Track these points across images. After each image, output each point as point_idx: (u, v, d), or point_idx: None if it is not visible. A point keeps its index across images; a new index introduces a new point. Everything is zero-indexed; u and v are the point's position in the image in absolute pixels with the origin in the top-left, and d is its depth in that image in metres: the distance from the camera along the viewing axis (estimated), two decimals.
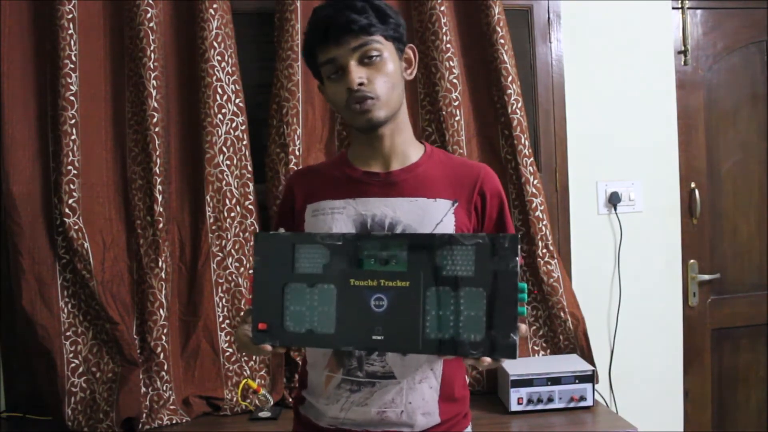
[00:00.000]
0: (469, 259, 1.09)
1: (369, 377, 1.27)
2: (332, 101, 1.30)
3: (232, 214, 2.07)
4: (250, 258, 2.07)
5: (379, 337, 1.11)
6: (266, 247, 1.17)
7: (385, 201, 1.29)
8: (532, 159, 2.16)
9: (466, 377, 2.06)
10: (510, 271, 1.07)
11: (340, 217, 1.29)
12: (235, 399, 2.01)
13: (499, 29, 2.12)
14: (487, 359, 1.07)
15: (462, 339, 1.08)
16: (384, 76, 1.25)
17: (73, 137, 1.96)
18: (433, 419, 1.30)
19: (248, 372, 2.06)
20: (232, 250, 2.06)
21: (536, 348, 2.19)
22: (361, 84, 1.23)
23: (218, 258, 2.06)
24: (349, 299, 1.13)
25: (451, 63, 2.12)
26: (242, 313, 2.04)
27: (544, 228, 2.15)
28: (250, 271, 2.06)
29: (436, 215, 1.28)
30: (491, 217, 1.34)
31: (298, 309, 1.14)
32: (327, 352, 1.30)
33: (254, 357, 2.07)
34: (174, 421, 1.93)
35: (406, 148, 1.34)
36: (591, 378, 1.95)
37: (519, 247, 1.09)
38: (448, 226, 1.28)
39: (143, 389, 1.96)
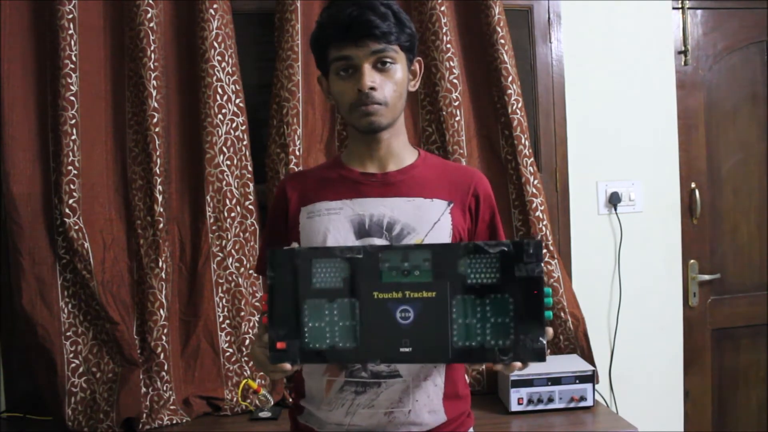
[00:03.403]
0: (493, 266, 1.10)
1: (374, 377, 1.26)
2: (336, 97, 1.31)
3: (233, 215, 2.07)
4: (251, 258, 2.07)
5: (407, 349, 1.10)
6: (281, 263, 1.14)
7: (383, 201, 1.30)
8: (532, 159, 2.16)
9: (466, 377, 2.08)
10: (535, 276, 1.09)
11: (336, 217, 1.29)
12: (235, 399, 2.01)
13: (499, 29, 2.12)
14: (518, 364, 1.09)
15: (491, 345, 1.09)
16: (394, 84, 1.27)
17: (73, 137, 1.96)
18: (440, 417, 1.30)
19: (248, 372, 2.06)
20: (232, 250, 2.06)
21: None
22: (372, 88, 1.24)
23: (218, 258, 2.06)
24: (372, 312, 1.11)
25: (451, 63, 2.12)
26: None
27: (544, 228, 2.15)
28: (251, 271, 2.07)
29: (433, 215, 1.29)
30: (484, 219, 1.36)
31: (318, 325, 1.12)
32: None
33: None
34: (174, 421, 1.92)
35: (402, 152, 1.36)
36: (591, 378, 1.95)
37: (542, 252, 1.10)
38: (444, 226, 1.29)
39: (143, 389, 1.96)
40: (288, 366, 1.13)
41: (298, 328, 1.12)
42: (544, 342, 1.08)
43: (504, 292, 1.09)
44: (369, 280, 1.12)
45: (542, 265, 1.10)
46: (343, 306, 1.12)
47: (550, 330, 1.12)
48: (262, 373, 2.06)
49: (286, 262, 1.14)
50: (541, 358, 1.08)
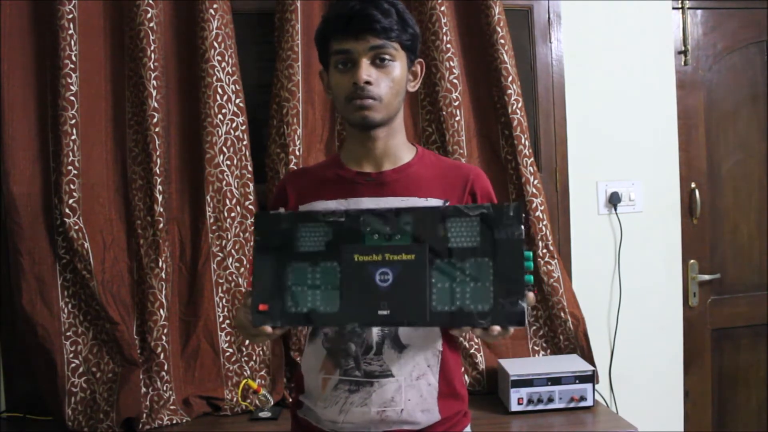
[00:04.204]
0: (473, 229, 1.10)
1: (367, 377, 1.27)
2: (333, 91, 1.32)
3: (232, 214, 2.07)
4: (251, 257, 2.07)
5: (385, 312, 1.10)
6: (266, 227, 1.16)
7: (377, 201, 1.30)
8: (532, 159, 2.16)
9: (466, 377, 2.08)
10: (516, 239, 1.08)
11: None
12: (235, 399, 2.01)
13: (499, 29, 2.12)
14: (497, 328, 1.08)
15: (470, 309, 1.08)
16: (391, 81, 1.27)
17: (73, 137, 1.96)
18: (433, 416, 1.31)
19: (248, 372, 2.06)
20: (232, 250, 2.06)
21: (536, 348, 2.19)
22: (367, 82, 1.25)
23: (218, 258, 2.06)
24: (353, 276, 1.12)
25: (451, 63, 2.12)
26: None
27: (544, 228, 2.15)
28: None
29: None
30: None
31: (300, 288, 1.13)
32: (320, 355, 1.30)
33: (254, 356, 2.06)
34: (174, 421, 1.92)
35: (399, 151, 1.36)
36: (591, 378, 1.95)
37: (523, 215, 1.10)
38: None
39: (143, 389, 1.96)
40: (269, 329, 1.13)
41: (280, 291, 1.13)
42: (524, 306, 1.07)
43: (484, 255, 1.09)
44: (351, 244, 1.13)
45: (522, 227, 1.09)
46: (325, 269, 1.13)
47: (531, 295, 1.11)
48: (261, 373, 2.06)
49: (271, 226, 1.16)
50: (521, 322, 1.07)
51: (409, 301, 1.10)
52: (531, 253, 1.11)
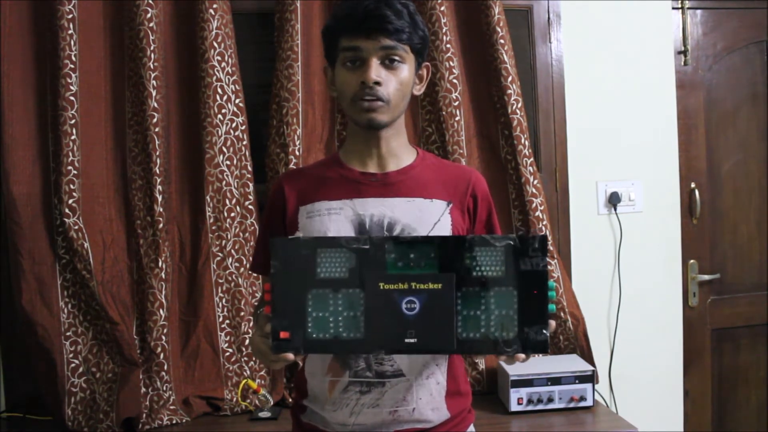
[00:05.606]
0: (498, 259, 1.12)
1: (379, 377, 1.27)
2: (339, 88, 1.30)
3: (232, 214, 2.07)
4: (251, 258, 2.07)
5: (412, 340, 1.11)
6: (285, 252, 1.14)
7: (383, 201, 1.30)
8: (532, 159, 2.16)
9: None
10: (540, 270, 1.11)
11: (337, 218, 1.29)
12: (235, 399, 2.01)
13: (499, 29, 2.12)
14: (522, 355, 1.12)
15: (495, 337, 1.11)
16: (398, 83, 1.27)
17: (73, 137, 1.96)
18: (443, 414, 1.32)
19: (248, 372, 2.06)
20: (232, 250, 2.06)
21: None
22: (377, 83, 1.24)
23: (218, 258, 2.06)
24: (378, 303, 1.12)
25: (451, 63, 2.12)
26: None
27: (544, 228, 2.15)
28: (249, 271, 2.07)
29: (433, 215, 1.30)
30: (481, 219, 1.38)
31: (322, 315, 1.12)
32: (326, 357, 1.30)
33: (254, 357, 2.06)
34: (174, 421, 1.93)
35: (401, 152, 1.36)
36: (591, 378, 1.95)
37: (548, 247, 1.12)
38: (445, 226, 1.30)
39: (143, 389, 1.96)
40: (291, 356, 1.13)
41: (302, 317, 1.12)
42: (547, 334, 1.10)
43: (509, 285, 1.11)
44: (375, 271, 1.12)
45: (547, 259, 1.11)
46: (348, 296, 1.12)
47: (552, 323, 1.14)
48: (261, 373, 2.06)
49: (290, 251, 1.14)
50: (544, 350, 1.11)
51: (436, 329, 1.11)
52: (554, 283, 1.12)
